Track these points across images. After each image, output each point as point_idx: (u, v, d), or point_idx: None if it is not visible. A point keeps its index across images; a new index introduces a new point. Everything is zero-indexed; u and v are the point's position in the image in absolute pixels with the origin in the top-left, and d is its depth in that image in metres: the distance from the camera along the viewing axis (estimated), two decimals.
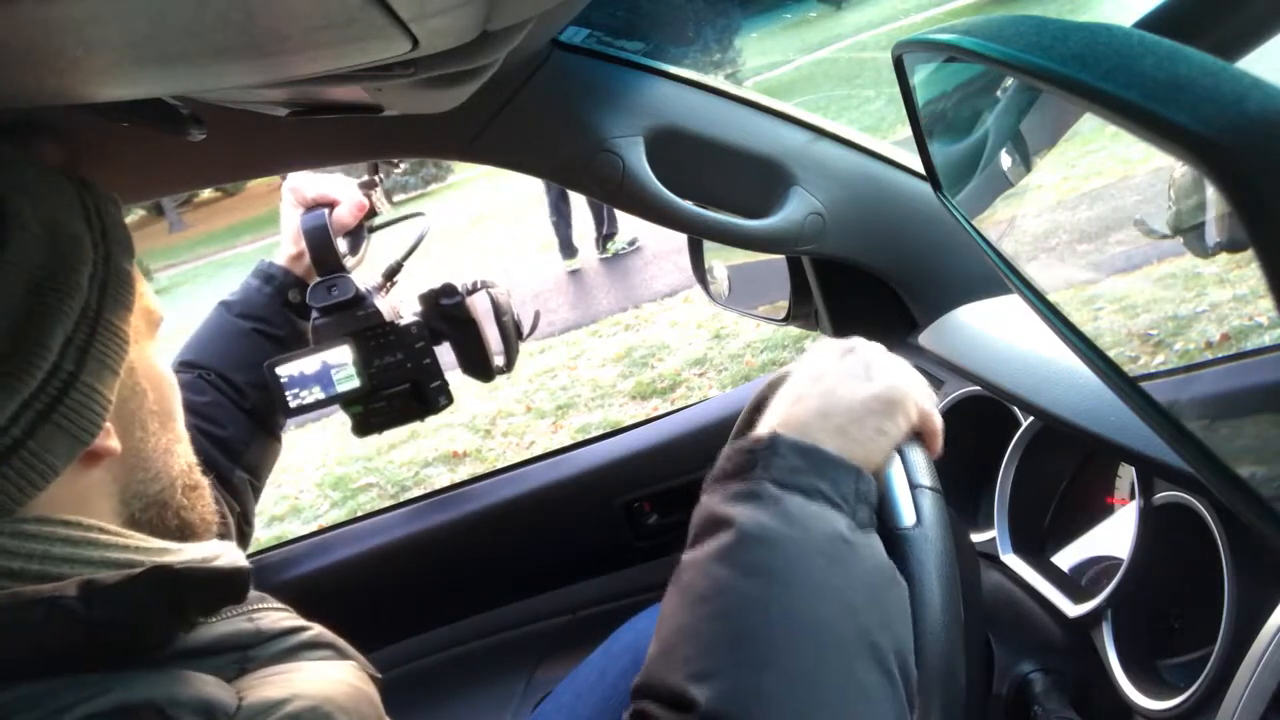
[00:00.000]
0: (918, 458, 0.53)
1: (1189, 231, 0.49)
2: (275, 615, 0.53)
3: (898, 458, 0.52)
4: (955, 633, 0.47)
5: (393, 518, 1.20)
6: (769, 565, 0.45)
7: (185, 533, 0.57)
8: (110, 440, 0.50)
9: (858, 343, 0.58)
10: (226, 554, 0.56)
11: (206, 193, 17.50)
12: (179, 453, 0.57)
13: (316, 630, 0.54)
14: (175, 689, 0.43)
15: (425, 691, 1.18)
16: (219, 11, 0.32)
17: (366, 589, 1.17)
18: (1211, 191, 0.44)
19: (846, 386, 0.54)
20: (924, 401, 0.55)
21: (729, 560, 0.46)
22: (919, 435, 0.55)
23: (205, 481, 0.61)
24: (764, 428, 0.53)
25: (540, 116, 0.85)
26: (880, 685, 0.43)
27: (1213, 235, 0.46)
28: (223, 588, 0.50)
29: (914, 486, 0.51)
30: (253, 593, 0.55)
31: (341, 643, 0.56)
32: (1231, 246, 0.43)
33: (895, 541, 0.49)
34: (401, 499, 1.57)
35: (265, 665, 0.49)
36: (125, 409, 0.52)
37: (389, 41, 0.38)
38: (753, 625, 0.43)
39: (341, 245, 0.98)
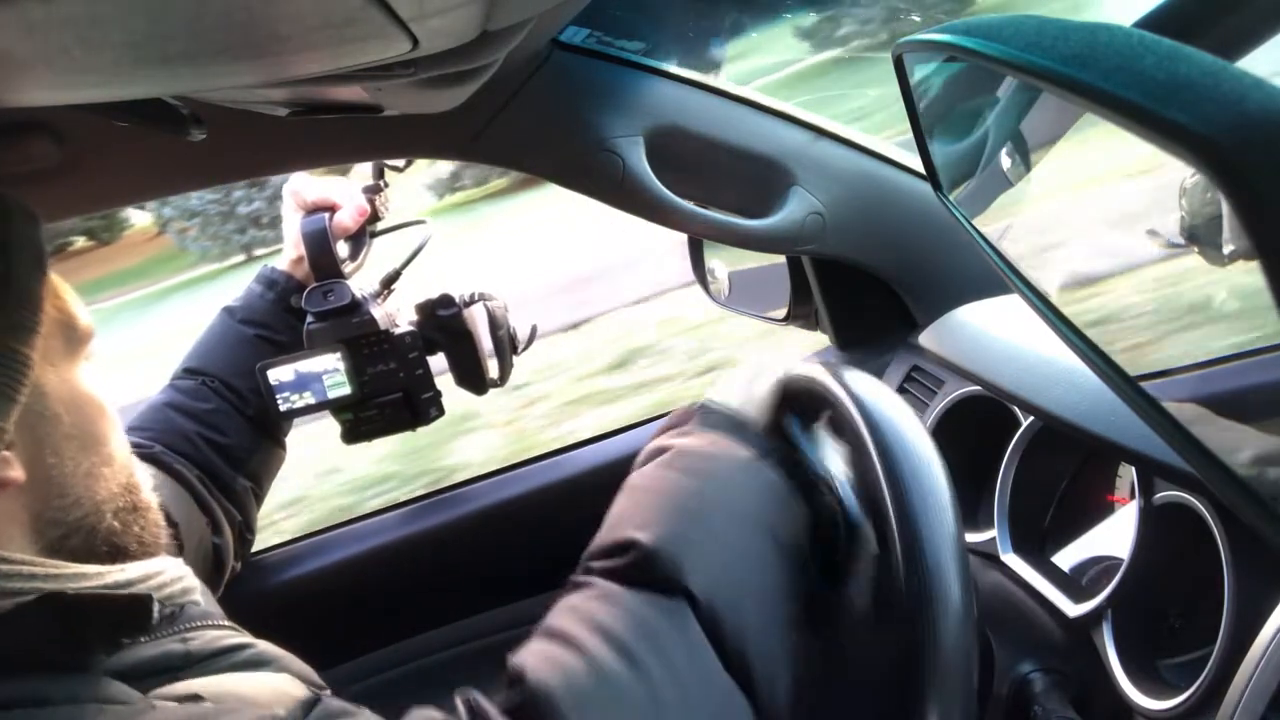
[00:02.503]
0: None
1: (1203, 239, 0.49)
2: (213, 634, 0.52)
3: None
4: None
5: (392, 518, 1.19)
6: (700, 468, 0.58)
7: (118, 556, 0.54)
8: (10, 470, 0.48)
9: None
10: (168, 570, 0.55)
11: (80, 241, 16.66)
12: (108, 476, 0.55)
13: (259, 648, 0.53)
14: (83, 689, 0.43)
15: (425, 692, 1.18)
16: (219, 11, 0.32)
17: (366, 589, 1.17)
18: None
19: None
20: None
21: (674, 465, 0.59)
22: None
23: (150, 502, 0.59)
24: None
25: (540, 116, 0.85)
26: (775, 556, 0.54)
27: (1228, 243, 0.46)
28: (123, 615, 0.49)
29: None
30: (198, 608, 0.54)
31: (288, 658, 0.55)
32: (1248, 254, 0.43)
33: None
34: None
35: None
36: (33, 435, 0.50)
37: (389, 41, 0.38)
38: (690, 502, 0.56)
39: (343, 250, 0.98)
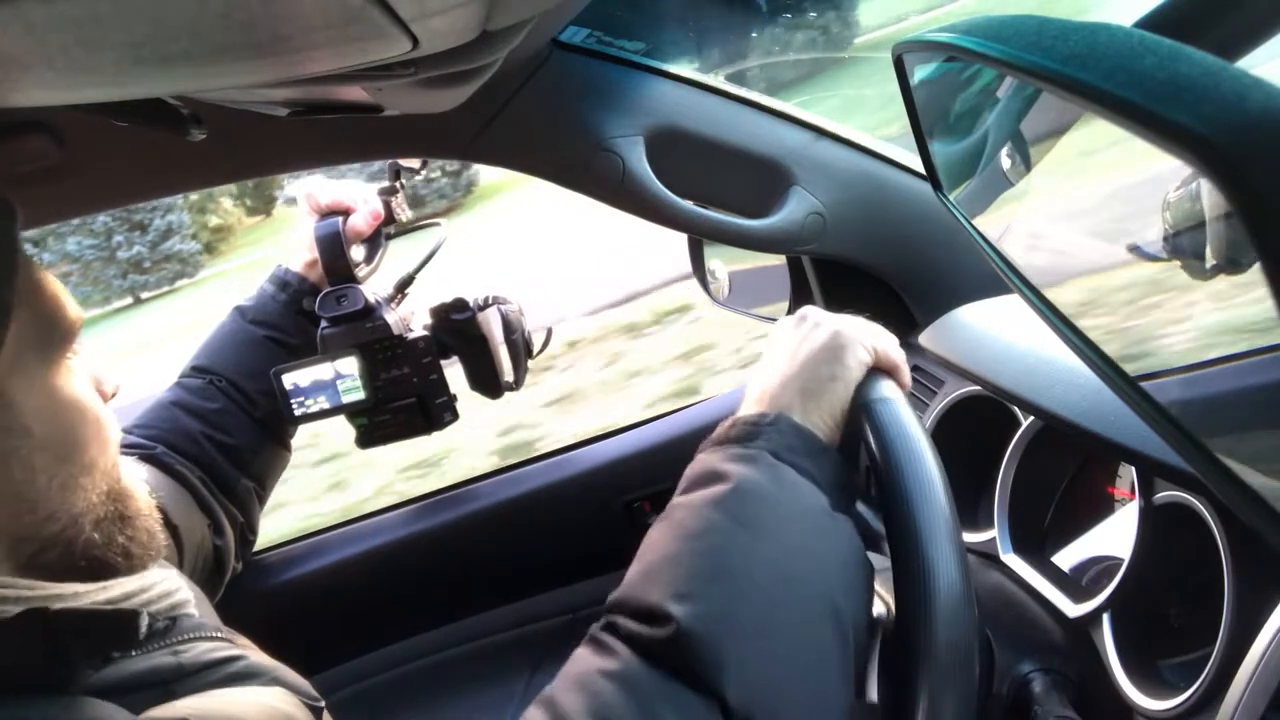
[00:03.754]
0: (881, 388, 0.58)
1: (1185, 252, 0.49)
2: (204, 646, 0.51)
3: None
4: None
5: (392, 518, 1.19)
6: (760, 519, 0.50)
7: (100, 571, 0.52)
8: None
9: (808, 310, 0.64)
10: (161, 584, 0.54)
11: None
12: (87, 486, 0.51)
13: (251, 660, 0.52)
14: (59, 713, 0.42)
15: (425, 692, 1.18)
16: (219, 12, 0.32)
17: (366, 589, 1.17)
18: (1209, 210, 0.44)
19: (800, 350, 0.60)
20: (872, 339, 0.61)
21: (723, 507, 0.51)
22: (887, 372, 0.61)
23: (141, 509, 0.56)
24: (745, 403, 0.60)
25: (540, 116, 0.85)
26: (836, 645, 0.48)
27: (1210, 257, 0.46)
28: (107, 630, 0.48)
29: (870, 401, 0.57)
30: (192, 620, 0.53)
31: (280, 669, 0.53)
32: (1231, 268, 0.43)
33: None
34: None
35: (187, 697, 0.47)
36: None
37: (389, 41, 0.38)
38: (737, 566, 0.48)
39: (359, 253, 0.98)
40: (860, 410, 0.57)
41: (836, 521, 0.52)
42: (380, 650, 1.20)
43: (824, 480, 0.53)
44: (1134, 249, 0.56)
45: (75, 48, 0.33)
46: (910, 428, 0.54)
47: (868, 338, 0.60)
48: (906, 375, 0.62)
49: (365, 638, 1.19)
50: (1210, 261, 0.46)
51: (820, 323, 0.62)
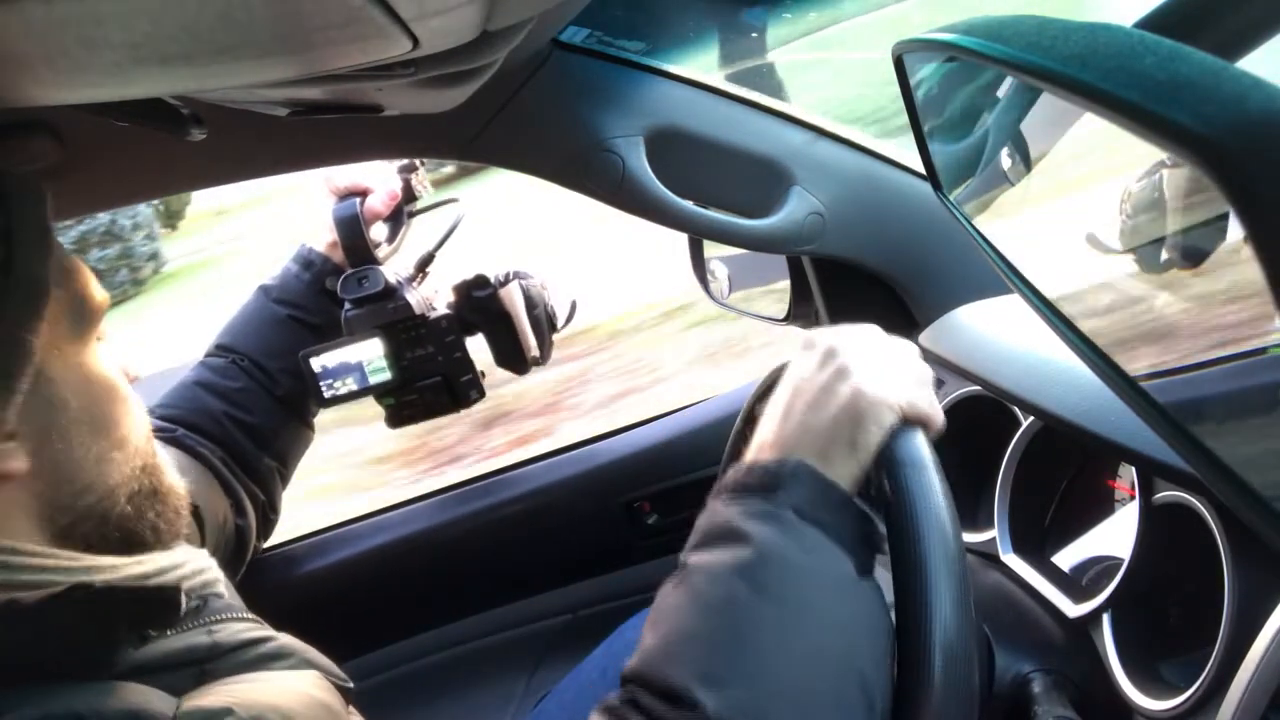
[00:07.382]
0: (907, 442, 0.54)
1: (1141, 247, 0.49)
2: (237, 626, 0.52)
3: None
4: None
5: (393, 518, 1.20)
6: (786, 591, 0.48)
7: (132, 544, 0.53)
8: (12, 462, 0.46)
9: (833, 344, 0.57)
10: (192, 562, 0.55)
11: None
12: (120, 460, 0.53)
13: (281, 641, 0.53)
14: (103, 699, 0.42)
15: (425, 691, 1.18)
16: (219, 12, 0.32)
17: (366, 589, 1.17)
18: (1170, 203, 0.44)
19: (821, 404, 0.54)
20: (901, 395, 0.55)
21: (747, 577, 0.48)
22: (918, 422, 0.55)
23: (173, 487, 0.58)
24: (759, 444, 0.55)
25: (540, 116, 0.85)
26: (864, 717, 0.46)
27: (1164, 251, 0.46)
28: (150, 605, 0.48)
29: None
30: (222, 600, 0.54)
31: (310, 651, 0.54)
32: (1183, 262, 0.43)
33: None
34: None
35: (223, 678, 0.47)
36: (39, 423, 0.48)
37: (389, 41, 0.38)
38: (766, 647, 0.46)
39: (381, 232, 0.98)
40: (883, 467, 0.53)
41: (862, 589, 0.49)
42: (380, 649, 1.20)
43: (848, 538, 0.50)
44: (1091, 239, 0.56)
45: (75, 48, 0.33)
46: (935, 500, 0.50)
47: (895, 395, 0.54)
48: (939, 420, 0.57)
49: (365, 637, 1.19)
50: (1164, 255, 0.46)
51: (845, 371, 0.55)
